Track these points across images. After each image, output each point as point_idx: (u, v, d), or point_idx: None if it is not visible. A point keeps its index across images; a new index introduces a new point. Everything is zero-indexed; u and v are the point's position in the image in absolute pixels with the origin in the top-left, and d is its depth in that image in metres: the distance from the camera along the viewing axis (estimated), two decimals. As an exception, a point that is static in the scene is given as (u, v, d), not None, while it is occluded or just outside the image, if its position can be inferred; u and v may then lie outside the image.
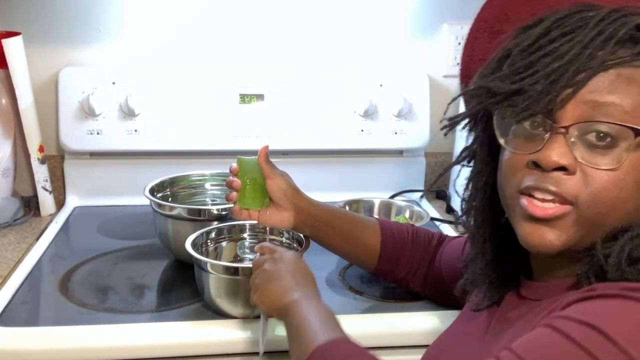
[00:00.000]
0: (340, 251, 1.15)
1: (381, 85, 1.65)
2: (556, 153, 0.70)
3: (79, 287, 1.21)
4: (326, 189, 1.51)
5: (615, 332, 0.62)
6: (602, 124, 0.69)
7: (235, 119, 1.61)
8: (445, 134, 0.82)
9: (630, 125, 0.69)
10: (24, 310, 1.13)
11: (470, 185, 0.85)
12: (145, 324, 1.09)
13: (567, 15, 0.73)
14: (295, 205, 1.08)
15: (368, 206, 1.51)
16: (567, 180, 0.70)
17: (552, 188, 0.71)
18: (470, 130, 0.83)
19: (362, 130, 1.65)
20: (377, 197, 1.55)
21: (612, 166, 0.69)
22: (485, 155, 0.82)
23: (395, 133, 1.66)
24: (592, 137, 0.70)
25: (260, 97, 1.62)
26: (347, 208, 1.43)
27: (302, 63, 1.69)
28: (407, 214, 1.46)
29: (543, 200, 0.71)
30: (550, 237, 0.72)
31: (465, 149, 0.85)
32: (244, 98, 1.62)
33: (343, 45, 1.69)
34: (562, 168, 0.70)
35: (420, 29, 1.71)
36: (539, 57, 0.72)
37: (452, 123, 0.81)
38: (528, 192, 0.73)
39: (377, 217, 1.47)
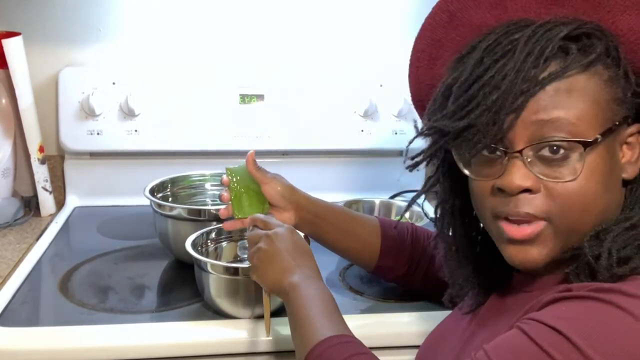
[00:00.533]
0: (341, 249, 1.15)
1: (381, 85, 1.65)
2: (517, 177, 0.72)
3: (79, 287, 1.21)
4: (326, 189, 1.51)
5: (581, 338, 0.64)
6: (552, 142, 0.71)
7: (235, 119, 1.61)
8: (411, 171, 0.85)
9: (578, 140, 0.71)
10: (24, 310, 1.13)
11: (438, 211, 0.89)
12: (145, 324, 1.09)
13: (495, 40, 0.75)
14: (294, 203, 1.09)
15: (368, 206, 1.51)
16: (534, 200, 0.73)
17: (523, 210, 0.73)
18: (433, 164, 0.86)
19: (362, 131, 1.65)
20: (377, 197, 1.55)
21: (572, 176, 0.72)
22: (449, 183, 0.85)
23: (395, 133, 1.66)
24: (546, 152, 0.72)
25: (260, 97, 1.62)
26: (347, 208, 1.43)
27: (302, 63, 1.69)
28: (407, 214, 1.46)
29: (518, 222, 0.74)
30: (533, 255, 0.75)
31: (430, 177, 0.88)
32: (244, 98, 1.62)
33: (343, 45, 1.69)
34: (526, 189, 0.73)
35: (420, 29, 1.71)
36: (478, 88, 0.73)
37: (414, 163, 0.84)
38: (502, 216, 0.76)
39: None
